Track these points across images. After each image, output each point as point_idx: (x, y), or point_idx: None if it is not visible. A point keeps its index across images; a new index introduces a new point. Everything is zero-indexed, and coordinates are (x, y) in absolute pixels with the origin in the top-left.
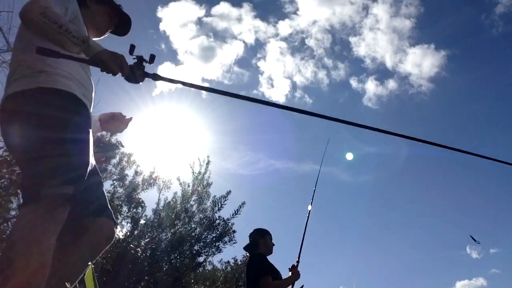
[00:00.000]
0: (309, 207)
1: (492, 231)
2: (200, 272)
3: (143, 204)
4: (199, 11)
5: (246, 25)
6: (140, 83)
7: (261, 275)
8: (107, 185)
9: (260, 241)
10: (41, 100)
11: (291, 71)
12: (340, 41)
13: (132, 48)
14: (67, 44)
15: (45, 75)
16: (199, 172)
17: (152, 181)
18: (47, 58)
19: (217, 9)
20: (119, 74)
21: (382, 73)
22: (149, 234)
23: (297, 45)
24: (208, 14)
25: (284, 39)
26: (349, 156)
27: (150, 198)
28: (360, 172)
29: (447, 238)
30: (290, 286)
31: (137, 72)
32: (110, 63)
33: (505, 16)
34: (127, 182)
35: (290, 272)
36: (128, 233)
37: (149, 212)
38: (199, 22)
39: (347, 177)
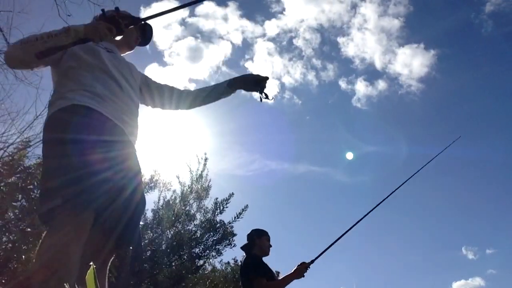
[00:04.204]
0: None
1: (488, 232)
2: (200, 275)
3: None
4: (183, 12)
5: (233, 24)
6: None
7: (255, 276)
8: None
9: (257, 241)
10: (47, 124)
11: (279, 72)
12: (328, 41)
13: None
14: (57, 42)
15: (57, 100)
16: (197, 170)
17: (152, 184)
18: (61, 86)
19: (201, 9)
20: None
21: (371, 73)
22: (150, 236)
23: (285, 45)
24: (192, 14)
25: (272, 39)
26: (349, 155)
27: (149, 199)
28: (359, 172)
29: (444, 239)
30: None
31: (122, 24)
32: (99, 31)
33: (494, 15)
34: None
35: (295, 268)
36: None
37: (149, 213)
38: (184, 22)
39: (346, 177)
